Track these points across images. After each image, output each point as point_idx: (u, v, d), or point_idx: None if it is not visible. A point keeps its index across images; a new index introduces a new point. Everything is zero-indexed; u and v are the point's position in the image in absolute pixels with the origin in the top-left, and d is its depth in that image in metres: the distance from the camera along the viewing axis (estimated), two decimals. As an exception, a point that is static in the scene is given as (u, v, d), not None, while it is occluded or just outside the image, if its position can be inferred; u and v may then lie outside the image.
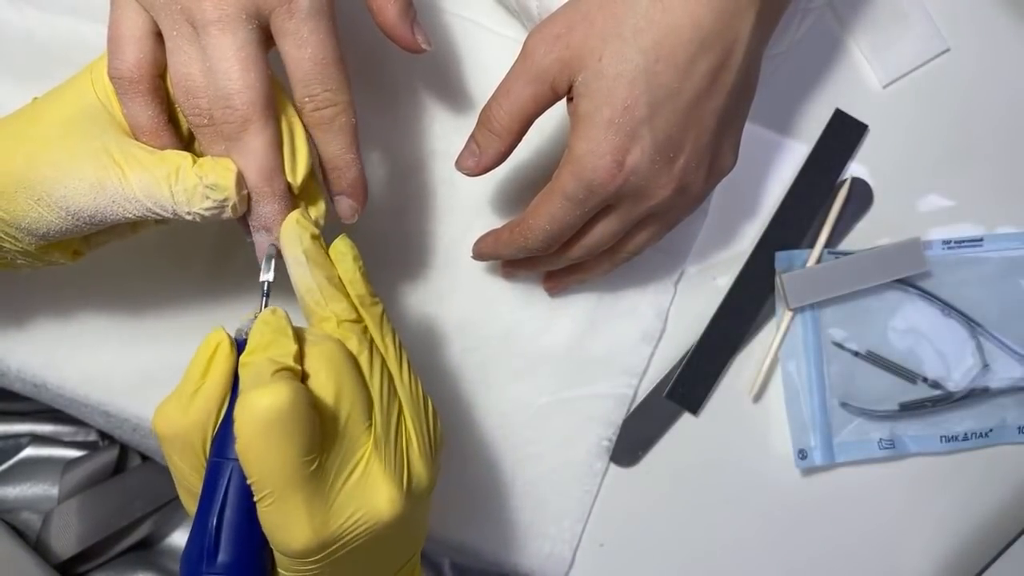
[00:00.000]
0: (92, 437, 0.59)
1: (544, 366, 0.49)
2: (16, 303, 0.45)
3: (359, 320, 0.34)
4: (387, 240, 0.47)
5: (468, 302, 0.48)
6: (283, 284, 0.35)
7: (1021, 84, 0.52)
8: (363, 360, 0.33)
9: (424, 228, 0.48)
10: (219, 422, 0.31)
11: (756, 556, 0.51)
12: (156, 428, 0.31)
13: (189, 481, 0.32)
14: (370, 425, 0.32)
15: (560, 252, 0.43)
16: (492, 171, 0.43)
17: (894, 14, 0.51)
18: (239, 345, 0.33)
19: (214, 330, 0.32)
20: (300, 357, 0.32)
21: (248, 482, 0.29)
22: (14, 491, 0.56)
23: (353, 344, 0.33)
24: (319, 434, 0.30)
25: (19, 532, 0.54)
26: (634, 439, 0.50)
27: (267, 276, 0.35)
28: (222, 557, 0.30)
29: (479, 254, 0.46)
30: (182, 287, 0.46)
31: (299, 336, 0.32)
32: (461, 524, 0.48)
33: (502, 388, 0.48)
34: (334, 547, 0.31)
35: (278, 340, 0.32)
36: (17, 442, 0.57)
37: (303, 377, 0.31)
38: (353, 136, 0.37)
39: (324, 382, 0.31)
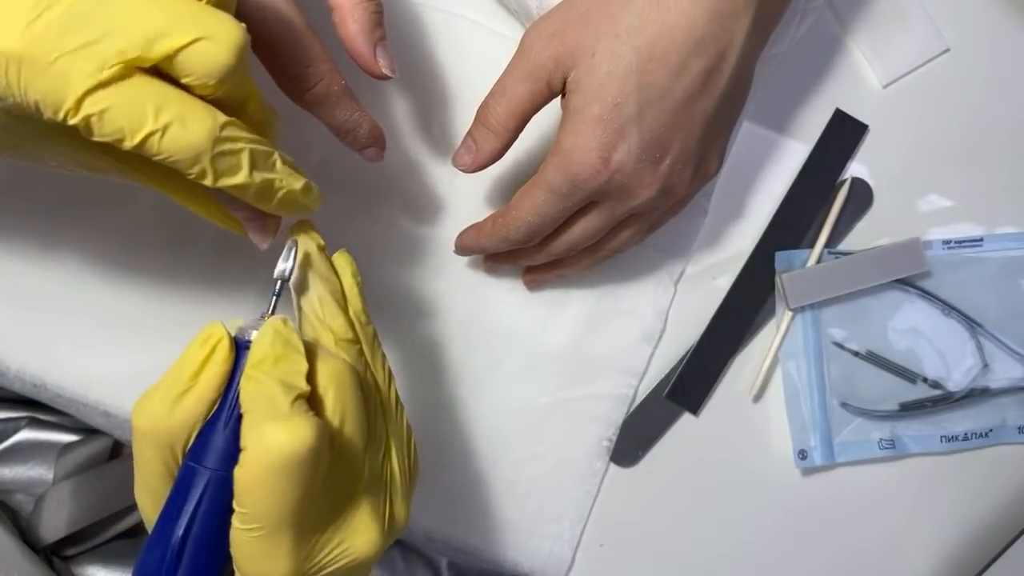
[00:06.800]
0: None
1: (544, 366, 0.49)
2: (16, 303, 0.45)
3: (356, 340, 0.32)
4: (387, 241, 0.47)
5: (468, 303, 0.48)
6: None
7: (1021, 84, 0.52)
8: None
9: (424, 229, 0.48)
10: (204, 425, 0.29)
11: (756, 556, 0.51)
12: (135, 422, 0.29)
13: (155, 481, 0.29)
14: (365, 458, 0.30)
15: (542, 246, 0.43)
16: (492, 170, 0.43)
17: (894, 14, 0.51)
18: (238, 345, 0.30)
19: (211, 324, 0.30)
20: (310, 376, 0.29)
21: (238, 510, 0.27)
22: (10, 472, 0.54)
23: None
24: (326, 471, 0.28)
25: (12, 513, 0.53)
26: (634, 439, 0.50)
27: (283, 267, 0.31)
28: (184, 573, 0.28)
29: (461, 247, 0.46)
30: (181, 285, 0.46)
31: (309, 351, 0.30)
32: (461, 524, 0.48)
33: (502, 388, 0.48)
34: None
35: (289, 356, 0.29)
36: (16, 424, 0.55)
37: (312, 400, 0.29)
38: (350, 97, 0.37)
39: (332, 407, 0.29)
